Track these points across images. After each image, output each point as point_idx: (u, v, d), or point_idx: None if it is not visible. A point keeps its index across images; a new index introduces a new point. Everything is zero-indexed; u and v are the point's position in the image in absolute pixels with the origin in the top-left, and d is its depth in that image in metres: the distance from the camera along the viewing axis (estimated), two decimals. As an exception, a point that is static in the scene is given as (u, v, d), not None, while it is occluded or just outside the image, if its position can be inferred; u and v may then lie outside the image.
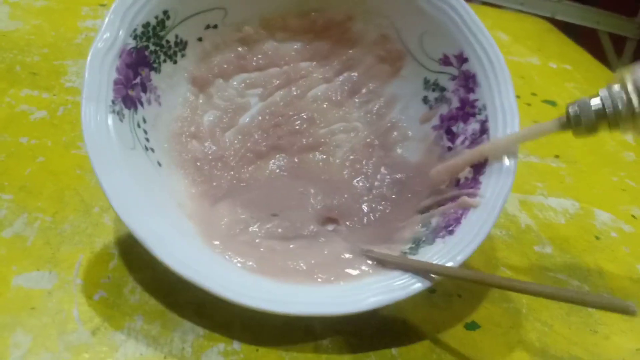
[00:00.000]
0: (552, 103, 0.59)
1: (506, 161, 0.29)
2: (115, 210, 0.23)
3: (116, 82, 0.26)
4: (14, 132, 0.35)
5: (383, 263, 0.28)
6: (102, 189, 0.24)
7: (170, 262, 0.23)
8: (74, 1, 0.53)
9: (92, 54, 0.25)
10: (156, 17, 0.28)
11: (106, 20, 0.26)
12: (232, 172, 0.31)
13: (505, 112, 0.30)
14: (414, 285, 0.26)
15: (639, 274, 0.36)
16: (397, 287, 0.26)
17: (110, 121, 0.25)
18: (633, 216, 0.42)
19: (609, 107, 0.26)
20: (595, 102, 0.26)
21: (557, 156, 0.48)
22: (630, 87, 0.26)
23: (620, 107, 0.26)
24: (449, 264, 0.27)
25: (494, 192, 0.28)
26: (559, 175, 0.45)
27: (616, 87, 0.26)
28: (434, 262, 0.27)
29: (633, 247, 0.39)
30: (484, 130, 0.31)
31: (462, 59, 0.32)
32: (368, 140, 0.34)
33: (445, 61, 0.32)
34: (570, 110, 0.27)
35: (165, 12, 0.29)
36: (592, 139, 0.52)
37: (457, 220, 0.29)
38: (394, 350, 0.27)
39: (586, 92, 0.65)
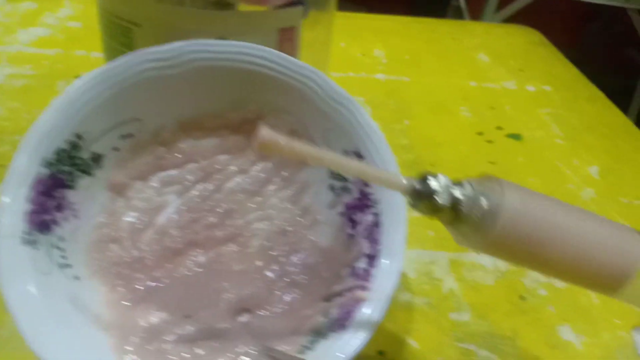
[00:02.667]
0: (517, 137, 0.59)
1: (396, 254, 0.32)
2: (34, 351, 0.26)
3: (30, 213, 0.29)
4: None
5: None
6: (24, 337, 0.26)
7: None
8: (51, 76, 0.58)
9: (2, 193, 0.28)
10: (69, 142, 0.31)
11: (15, 160, 0.29)
12: (149, 273, 0.34)
13: (394, 207, 0.33)
14: None
15: (557, 339, 0.37)
16: None
17: (25, 255, 0.28)
18: (569, 269, 0.43)
19: (464, 206, 0.24)
20: (456, 193, 0.24)
21: (504, 203, 0.49)
22: (483, 203, 0.24)
23: (468, 212, 0.24)
24: None
25: (381, 287, 0.31)
26: (502, 225, 0.46)
27: (469, 192, 0.24)
28: None
29: (559, 306, 0.39)
30: (376, 223, 0.33)
31: (358, 156, 0.34)
32: (282, 227, 0.37)
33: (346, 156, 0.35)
34: (432, 184, 0.24)
35: (78, 136, 0.32)
36: (553, 180, 0.52)
37: (349, 314, 0.31)
38: None
39: (559, 118, 0.64)
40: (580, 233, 0.24)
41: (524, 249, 0.24)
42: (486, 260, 0.43)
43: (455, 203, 0.24)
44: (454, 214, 0.24)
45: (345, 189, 0.36)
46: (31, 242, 0.29)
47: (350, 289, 0.33)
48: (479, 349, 0.36)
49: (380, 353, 0.35)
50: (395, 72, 0.70)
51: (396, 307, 0.38)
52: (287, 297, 0.35)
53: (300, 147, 0.24)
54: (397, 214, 0.33)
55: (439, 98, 0.65)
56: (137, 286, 0.33)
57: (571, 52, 0.83)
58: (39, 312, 0.27)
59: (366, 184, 0.35)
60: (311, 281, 0.35)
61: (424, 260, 0.42)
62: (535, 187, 0.52)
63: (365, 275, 0.32)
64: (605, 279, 0.25)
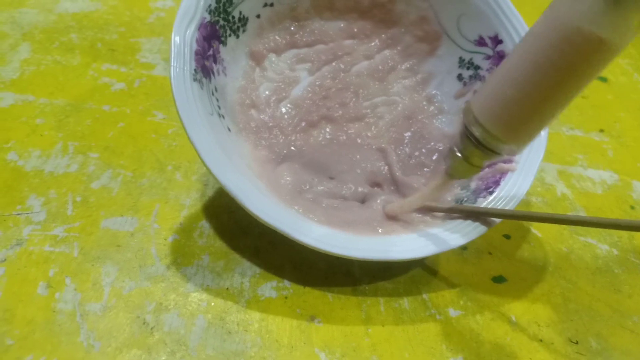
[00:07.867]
0: (603, 80, 0.59)
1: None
2: (208, 166, 0.26)
3: (196, 53, 0.29)
4: (97, 101, 0.40)
5: (434, 214, 0.31)
6: (194, 147, 0.26)
7: (258, 212, 0.26)
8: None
9: (177, 27, 0.29)
10: None
11: (184, 2, 0.30)
12: (288, 139, 0.34)
13: None
14: (468, 233, 0.29)
15: (672, 242, 0.37)
16: (452, 237, 0.29)
17: (195, 88, 0.28)
18: (674, 189, 0.43)
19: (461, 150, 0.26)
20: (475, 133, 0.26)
21: (601, 130, 0.49)
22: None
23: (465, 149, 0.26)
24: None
25: (528, 158, 0.32)
26: (601, 148, 0.46)
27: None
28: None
29: (670, 218, 0.40)
30: None
31: (497, 41, 0.34)
32: (406, 112, 0.37)
33: (481, 42, 0.35)
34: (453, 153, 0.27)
35: None
36: None
37: (496, 183, 0.32)
38: (424, 295, 0.30)
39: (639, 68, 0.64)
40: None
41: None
42: (592, 173, 0.43)
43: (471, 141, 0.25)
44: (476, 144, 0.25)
45: (476, 77, 0.36)
46: (198, 80, 0.29)
47: (488, 165, 0.33)
48: (599, 243, 0.36)
49: (506, 237, 0.35)
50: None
51: (513, 201, 0.38)
52: (416, 176, 0.35)
53: (409, 204, 0.30)
54: None
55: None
56: (277, 149, 0.34)
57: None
58: (211, 142, 0.27)
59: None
60: (439, 163, 0.36)
61: (531, 168, 0.42)
62: (626, 122, 0.52)
63: None
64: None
